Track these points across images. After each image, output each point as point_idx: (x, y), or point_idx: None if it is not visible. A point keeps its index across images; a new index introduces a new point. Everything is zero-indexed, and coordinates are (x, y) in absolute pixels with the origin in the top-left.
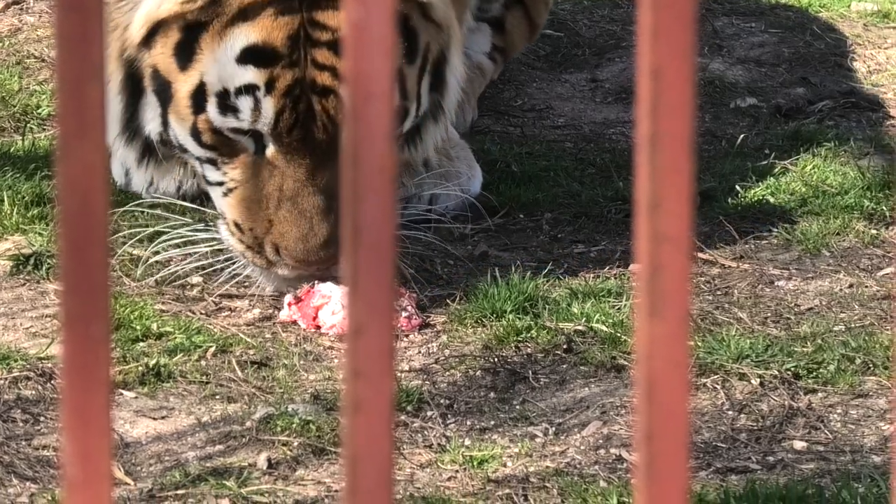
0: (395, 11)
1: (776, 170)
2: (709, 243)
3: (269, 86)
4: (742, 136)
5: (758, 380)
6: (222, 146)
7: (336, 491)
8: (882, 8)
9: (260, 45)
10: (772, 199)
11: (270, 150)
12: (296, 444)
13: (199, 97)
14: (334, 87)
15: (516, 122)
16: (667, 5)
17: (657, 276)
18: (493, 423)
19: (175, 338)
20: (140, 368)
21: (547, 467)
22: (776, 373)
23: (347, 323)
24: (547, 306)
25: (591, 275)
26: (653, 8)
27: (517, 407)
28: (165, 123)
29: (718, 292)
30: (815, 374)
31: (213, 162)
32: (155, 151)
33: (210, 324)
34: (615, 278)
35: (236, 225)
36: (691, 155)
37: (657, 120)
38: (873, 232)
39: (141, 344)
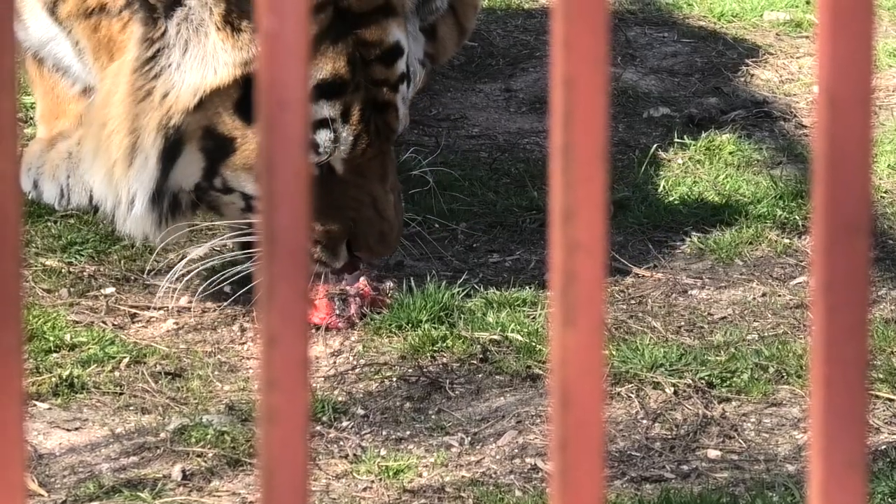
0: (309, 20)
1: (689, 179)
2: (623, 253)
3: (345, 115)
4: (655, 145)
5: (672, 389)
6: None
7: (251, 502)
8: (794, 17)
9: (329, 79)
10: (685, 209)
11: (340, 170)
12: (210, 455)
13: None
14: (392, 100)
15: (431, 131)
16: (580, 15)
17: (571, 285)
18: (408, 432)
19: (88, 348)
20: (53, 380)
21: (462, 477)
22: (690, 382)
23: (262, 332)
24: (462, 316)
25: (506, 284)
26: (566, 18)
27: (433, 417)
28: (211, 175)
29: (632, 301)
30: (728, 382)
31: None
32: (180, 205)
33: (124, 334)
34: (530, 287)
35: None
36: (605, 164)
37: (570, 130)
38: (786, 241)
39: (54, 355)
